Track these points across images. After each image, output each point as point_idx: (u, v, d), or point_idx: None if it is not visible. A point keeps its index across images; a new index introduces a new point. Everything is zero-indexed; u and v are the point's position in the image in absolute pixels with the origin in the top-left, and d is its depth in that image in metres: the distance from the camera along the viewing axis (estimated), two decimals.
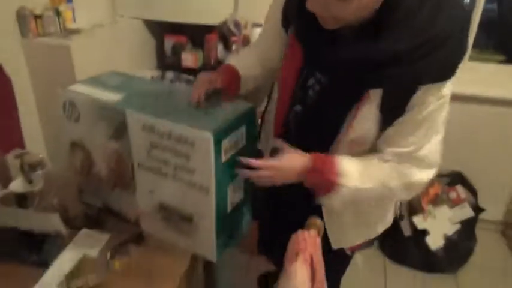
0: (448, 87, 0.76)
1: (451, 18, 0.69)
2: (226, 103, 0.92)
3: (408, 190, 0.84)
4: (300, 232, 0.85)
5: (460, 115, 1.95)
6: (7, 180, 1.10)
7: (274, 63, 0.98)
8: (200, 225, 0.92)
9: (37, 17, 1.53)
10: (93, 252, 0.94)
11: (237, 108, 0.90)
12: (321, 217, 0.92)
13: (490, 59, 2.31)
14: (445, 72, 0.73)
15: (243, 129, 0.89)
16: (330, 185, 0.81)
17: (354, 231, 1.00)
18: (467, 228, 2.06)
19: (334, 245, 0.99)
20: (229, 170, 0.87)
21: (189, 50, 2.18)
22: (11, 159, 1.15)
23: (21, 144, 1.45)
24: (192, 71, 2.12)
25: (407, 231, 2.04)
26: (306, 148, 0.85)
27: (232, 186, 0.90)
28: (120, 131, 0.92)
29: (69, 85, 0.99)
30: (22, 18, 1.49)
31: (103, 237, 0.99)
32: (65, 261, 0.91)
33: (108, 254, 0.93)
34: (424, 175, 0.83)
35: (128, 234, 0.99)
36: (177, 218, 0.94)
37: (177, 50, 2.17)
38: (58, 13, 1.61)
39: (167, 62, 2.22)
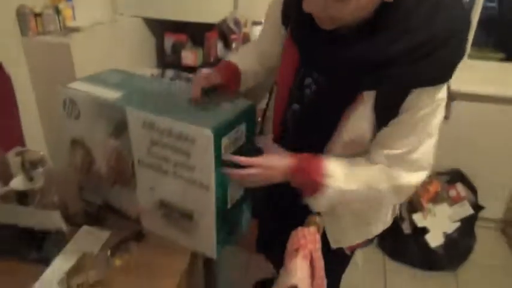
0: (444, 91, 0.75)
1: (450, 18, 0.68)
2: (227, 100, 0.92)
3: (397, 193, 0.83)
4: (299, 229, 0.85)
5: (459, 113, 1.95)
6: (8, 178, 1.10)
7: (274, 61, 0.98)
8: (200, 223, 0.92)
9: (37, 15, 1.53)
10: (94, 249, 0.95)
11: (237, 105, 0.90)
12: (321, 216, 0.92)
13: (490, 57, 2.31)
14: (442, 74, 0.72)
15: (243, 127, 0.89)
16: (315, 185, 0.81)
17: (353, 232, 1.00)
18: (467, 226, 2.07)
19: (333, 245, 0.99)
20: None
21: (189, 48, 2.18)
22: (12, 157, 1.15)
23: (21, 142, 1.46)
24: (192, 69, 2.12)
25: (407, 229, 2.04)
26: (303, 147, 0.86)
27: (232, 183, 0.91)
28: (120, 128, 0.92)
29: (69, 83, 1.00)
30: (22, 16, 1.49)
31: (103, 235, 1.00)
32: (65, 258, 0.92)
33: (109, 251, 0.93)
34: (414, 178, 0.82)
35: (128, 232, 1.00)
36: (177, 215, 0.94)
37: (177, 48, 2.17)
38: (58, 11, 1.61)
39: (167, 60, 2.22)
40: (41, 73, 1.54)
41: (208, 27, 2.09)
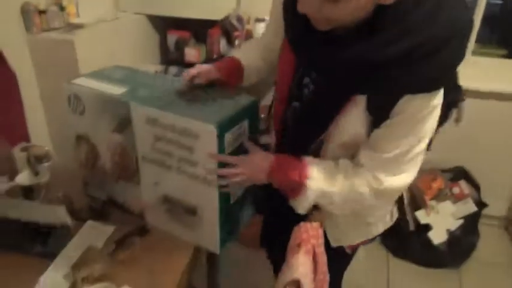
0: (439, 96, 0.73)
1: (452, 18, 0.65)
2: (230, 96, 0.92)
3: (378, 197, 0.81)
4: (302, 224, 0.85)
5: None
6: (13, 173, 1.11)
7: (276, 56, 0.98)
8: (204, 218, 0.93)
9: (41, 12, 1.54)
10: (99, 244, 0.96)
11: (240, 101, 0.90)
12: None
13: (493, 54, 2.30)
14: (439, 78, 0.70)
15: (245, 123, 0.89)
16: (295, 186, 0.81)
17: (352, 232, 1.00)
18: (470, 223, 2.07)
19: (333, 244, 0.99)
20: None
21: (192, 45, 2.18)
22: (17, 153, 1.16)
23: (26, 138, 1.47)
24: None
25: (410, 226, 2.04)
26: (302, 145, 0.86)
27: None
28: (124, 123, 0.92)
29: (74, 79, 1.00)
30: (26, 13, 1.49)
31: (108, 229, 1.01)
32: (71, 253, 0.93)
33: (113, 246, 0.94)
34: (398, 182, 0.80)
35: (132, 227, 1.00)
36: (180, 210, 0.95)
37: (180, 45, 2.17)
38: (62, 8, 1.62)
39: (170, 57, 2.23)
40: (45, 69, 1.54)
41: (211, 24, 2.09)
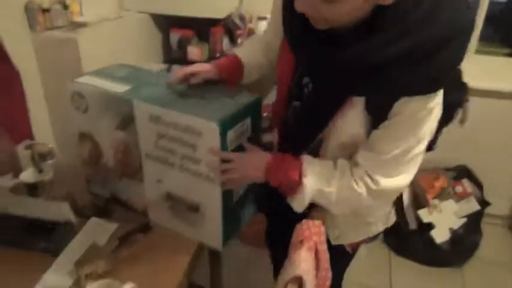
0: (438, 97, 0.72)
1: (452, 18, 0.64)
2: (233, 94, 0.93)
3: (376, 198, 0.81)
4: (304, 221, 0.86)
5: None
6: (17, 171, 1.12)
7: (277, 55, 0.98)
8: (206, 215, 0.93)
9: (45, 11, 1.55)
10: (102, 241, 0.96)
11: (243, 99, 0.90)
12: None
13: (496, 52, 2.30)
14: (438, 80, 0.69)
15: (248, 121, 0.89)
16: (292, 184, 0.81)
17: (352, 230, 1.00)
18: (473, 222, 2.06)
19: (333, 242, 0.99)
20: None
21: (194, 43, 2.19)
22: (21, 150, 1.17)
23: (30, 136, 1.48)
24: None
25: (412, 225, 2.04)
26: (301, 145, 0.86)
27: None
28: (127, 121, 0.93)
29: (77, 77, 1.01)
30: (30, 12, 1.50)
31: (111, 226, 1.01)
32: (74, 249, 0.93)
33: (116, 243, 0.95)
34: (395, 183, 0.79)
35: (135, 224, 1.01)
36: (183, 207, 0.95)
37: (183, 44, 2.18)
38: (65, 7, 1.63)
39: (173, 56, 2.23)
40: (49, 67, 1.55)
41: (214, 22, 2.09)
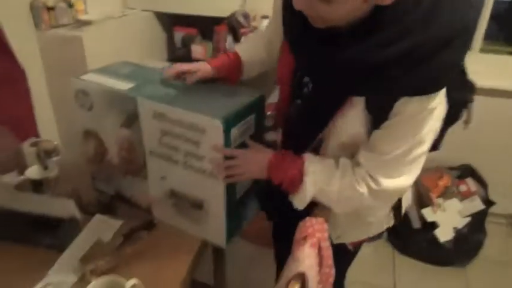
0: (439, 97, 0.71)
1: (454, 18, 0.64)
2: (236, 91, 0.93)
3: (377, 198, 0.80)
4: (307, 218, 0.86)
5: None
6: (23, 168, 1.13)
7: (277, 54, 0.98)
8: (210, 212, 0.93)
9: (50, 9, 1.56)
10: (107, 238, 0.97)
11: (247, 97, 0.91)
12: None
13: (501, 51, 2.28)
14: (439, 80, 0.68)
15: (252, 118, 0.90)
16: (293, 181, 0.81)
17: (353, 230, 1.00)
18: (478, 221, 2.05)
19: (335, 241, 0.98)
20: None
21: (198, 42, 2.19)
22: (27, 148, 1.18)
23: (35, 134, 1.49)
24: None
25: (416, 224, 2.03)
26: (303, 144, 0.86)
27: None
28: (131, 119, 0.93)
29: (82, 75, 1.01)
30: (35, 10, 1.51)
31: (116, 223, 1.02)
32: (79, 246, 0.94)
33: (121, 240, 0.95)
34: (396, 184, 0.79)
35: (139, 221, 1.01)
36: (187, 204, 0.96)
37: (186, 42, 2.19)
38: (70, 5, 1.64)
39: (177, 54, 2.24)
40: (54, 65, 1.57)
41: (218, 21, 2.10)
